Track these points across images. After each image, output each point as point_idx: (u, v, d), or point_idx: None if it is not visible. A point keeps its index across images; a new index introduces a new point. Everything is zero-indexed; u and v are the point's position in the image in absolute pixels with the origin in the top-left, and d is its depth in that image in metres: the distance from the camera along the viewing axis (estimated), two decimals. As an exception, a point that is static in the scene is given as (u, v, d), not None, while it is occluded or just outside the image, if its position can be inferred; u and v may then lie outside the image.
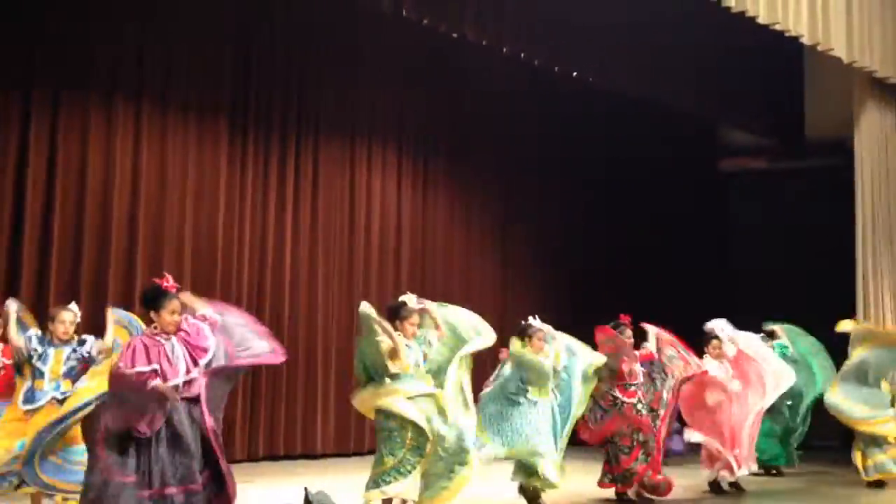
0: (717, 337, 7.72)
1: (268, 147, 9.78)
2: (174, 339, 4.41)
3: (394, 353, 5.56)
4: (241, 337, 4.58)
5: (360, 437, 10.11)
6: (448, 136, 11.49)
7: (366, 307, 5.64)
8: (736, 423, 7.37)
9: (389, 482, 5.46)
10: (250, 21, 9.68)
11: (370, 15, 9.95)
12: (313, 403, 9.86)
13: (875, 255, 9.77)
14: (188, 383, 4.37)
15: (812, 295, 11.92)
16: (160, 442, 4.27)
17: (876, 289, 9.71)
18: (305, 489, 5.96)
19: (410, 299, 5.99)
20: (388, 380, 5.56)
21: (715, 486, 7.60)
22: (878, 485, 8.14)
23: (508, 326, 11.83)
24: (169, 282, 4.56)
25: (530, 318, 6.85)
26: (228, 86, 9.48)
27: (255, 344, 4.61)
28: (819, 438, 9.23)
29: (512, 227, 12.20)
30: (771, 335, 8.65)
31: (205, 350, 4.45)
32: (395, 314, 5.84)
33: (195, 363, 4.41)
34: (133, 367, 4.25)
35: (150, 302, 4.48)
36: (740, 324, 8.18)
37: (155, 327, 4.43)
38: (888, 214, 9.96)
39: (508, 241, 12.18)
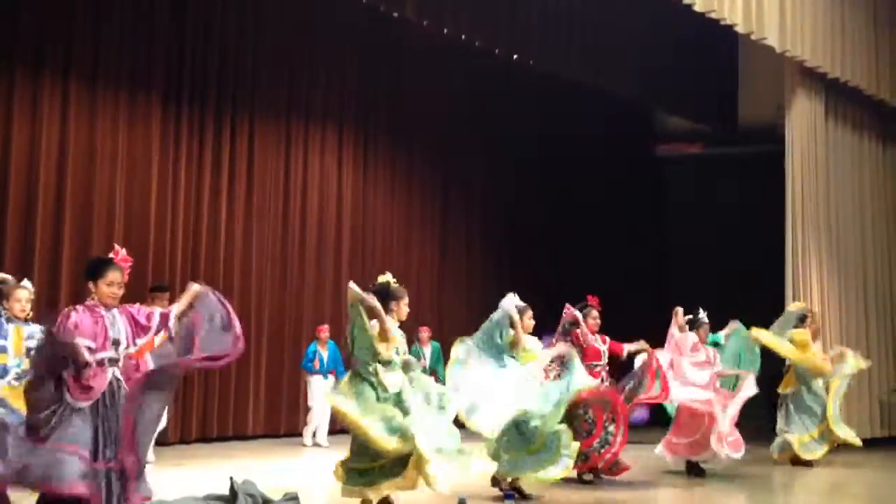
0: (707, 323, 7.74)
1: (202, 125, 9.58)
2: (115, 311, 4.31)
3: (384, 336, 5.18)
4: (208, 337, 4.39)
5: (292, 419, 10.05)
6: (387, 116, 11.42)
7: (353, 288, 5.21)
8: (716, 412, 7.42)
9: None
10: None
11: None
12: (245, 385, 9.75)
13: (804, 236, 10.06)
14: (128, 356, 4.30)
15: (745, 275, 12.22)
16: (96, 414, 4.18)
17: (804, 268, 10.00)
18: (231, 479, 5.84)
19: (388, 278, 5.52)
20: (379, 366, 5.20)
21: (692, 468, 7.65)
22: (806, 464, 8.41)
23: (446, 304, 12.02)
24: (119, 255, 4.43)
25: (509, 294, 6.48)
26: (161, 62, 9.24)
27: (216, 346, 4.40)
28: (746, 419, 9.44)
29: (452, 206, 12.25)
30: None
31: (145, 330, 4.36)
32: (387, 295, 5.40)
33: (135, 339, 4.33)
34: (73, 336, 4.17)
35: (90, 271, 4.38)
36: (675, 304, 8.27)
37: (92, 298, 4.33)
38: (816, 198, 10.25)
39: (448, 221, 12.22)
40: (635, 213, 13.74)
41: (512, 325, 6.29)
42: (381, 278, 5.57)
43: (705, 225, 13.24)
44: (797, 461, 8.44)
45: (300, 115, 10.48)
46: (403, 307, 5.44)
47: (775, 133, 10.95)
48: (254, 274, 9.93)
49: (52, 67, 8.47)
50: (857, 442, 8.67)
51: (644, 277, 13.36)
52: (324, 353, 9.31)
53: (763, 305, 9.30)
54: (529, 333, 6.45)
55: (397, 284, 5.53)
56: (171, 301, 7.95)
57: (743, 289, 11.49)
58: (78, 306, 4.32)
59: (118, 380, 4.27)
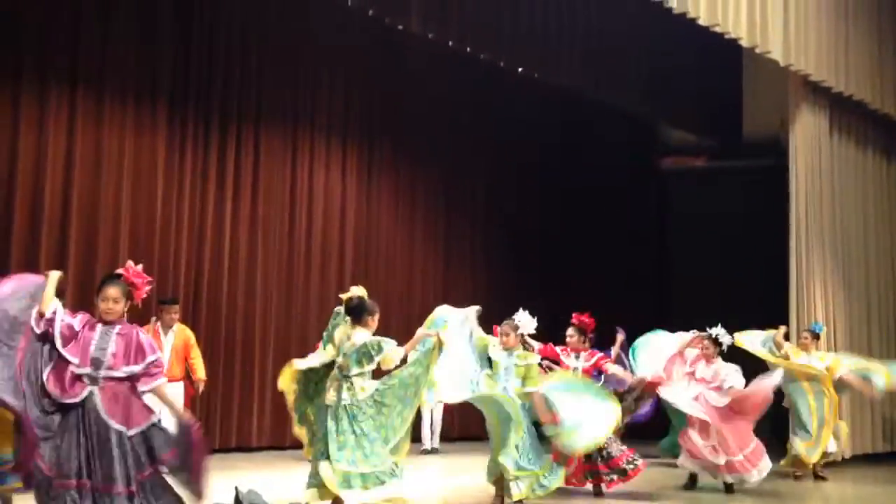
0: (711, 338, 7.55)
1: (207, 134, 9.61)
2: (115, 330, 4.21)
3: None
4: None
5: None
6: (392, 127, 11.45)
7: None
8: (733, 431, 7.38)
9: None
10: (190, 5, 9.48)
11: (315, 2, 9.84)
12: (249, 395, 9.73)
13: (807, 250, 10.05)
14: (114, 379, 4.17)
15: (748, 289, 12.20)
16: (72, 429, 4.07)
17: (808, 281, 9.99)
18: (236, 488, 5.83)
19: (361, 291, 5.62)
20: None
21: (691, 481, 7.65)
22: (820, 478, 8.43)
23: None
24: (130, 270, 4.35)
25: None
26: (167, 70, 9.27)
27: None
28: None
29: (455, 217, 12.26)
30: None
31: (136, 362, 4.22)
32: (363, 310, 5.52)
33: (124, 364, 4.18)
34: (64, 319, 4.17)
35: (99, 287, 4.38)
36: (678, 318, 8.32)
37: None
38: (820, 212, 10.24)
39: (451, 233, 12.22)
40: (639, 225, 13.73)
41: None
42: (355, 291, 5.57)
43: (709, 237, 13.23)
44: (819, 476, 8.44)
45: (305, 125, 10.50)
46: (377, 320, 5.60)
47: (779, 146, 10.95)
48: (259, 284, 9.93)
49: (57, 77, 8.50)
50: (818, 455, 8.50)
51: (648, 289, 13.34)
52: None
53: (766, 319, 9.27)
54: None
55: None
56: (182, 314, 8.05)
57: (746, 302, 11.46)
58: (87, 315, 4.28)
59: (93, 401, 4.10)
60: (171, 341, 7.70)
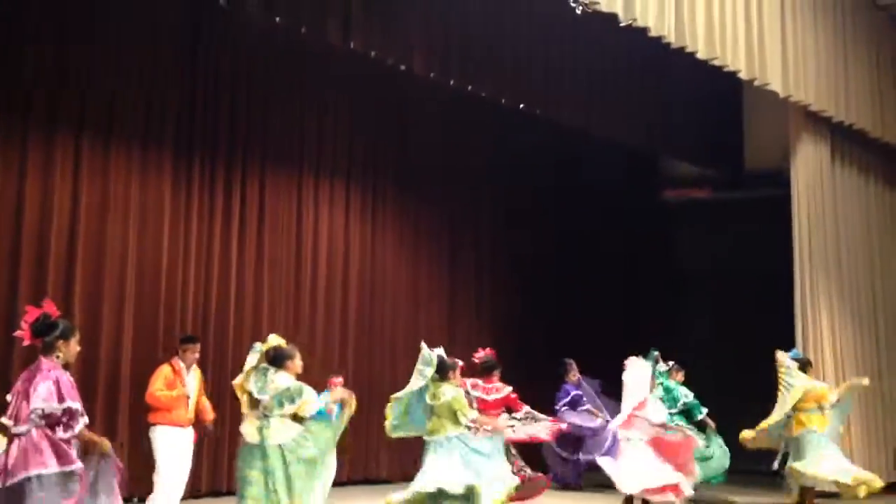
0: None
1: (213, 176, 9.68)
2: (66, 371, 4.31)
3: None
4: None
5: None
6: (395, 166, 11.52)
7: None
8: None
9: None
10: (195, 49, 9.61)
11: (317, 46, 9.95)
12: (257, 435, 9.67)
13: (812, 280, 10.02)
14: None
15: (753, 320, 12.15)
16: None
17: (814, 312, 9.95)
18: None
19: (279, 340, 6.08)
20: None
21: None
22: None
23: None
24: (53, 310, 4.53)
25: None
26: (173, 114, 9.37)
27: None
28: (753, 462, 9.36)
29: (459, 256, 12.26)
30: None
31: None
32: (282, 357, 5.97)
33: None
34: (63, 400, 4.14)
35: (65, 330, 4.44)
36: (683, 349, 8.33)
37: (58, 357, 4.33)
38: (824, 242, 10.23)
39: (456, 271, 12.22)
40: (642, 258, 13.74)
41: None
42: (272, 341, 6.03)
43: (713, 269, 13.22)
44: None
45: (310, 165, 10.58)
46: (298, 363, 6.04)
47: (782, 176, 10.97)
48: (265, 322, 9.92)
49: (65, 122, 8.58)
50: None
51: (652, 322, 13.30)
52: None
53: (771, 350, 9.23)
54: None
55: (287, 345, 6.08)
56: (202, 352, 8.03)
57: (752, 334, 11.42)
58: (56, 367, 4.38)
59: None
60: (194, 383, 7.53)
